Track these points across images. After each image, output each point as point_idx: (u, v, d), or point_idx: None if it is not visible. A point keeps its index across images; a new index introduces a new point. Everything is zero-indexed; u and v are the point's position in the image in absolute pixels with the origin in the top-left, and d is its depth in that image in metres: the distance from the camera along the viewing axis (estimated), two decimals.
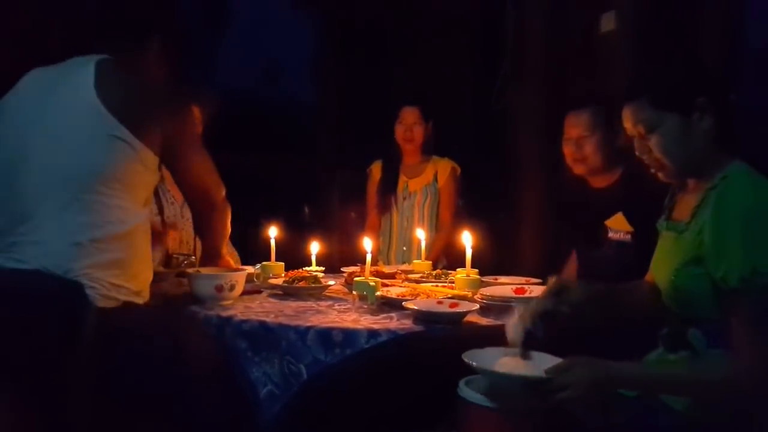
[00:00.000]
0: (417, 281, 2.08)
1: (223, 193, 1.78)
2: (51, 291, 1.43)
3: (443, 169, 2.95)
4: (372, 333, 1.51)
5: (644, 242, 1.79)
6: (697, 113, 1.37)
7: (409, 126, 2.88)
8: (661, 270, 1.47)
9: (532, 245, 2.52)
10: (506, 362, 1.32)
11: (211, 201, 1.75)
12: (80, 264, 1.46)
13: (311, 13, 4.09)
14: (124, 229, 1.52)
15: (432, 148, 2.98)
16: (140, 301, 1.56)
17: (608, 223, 2.11)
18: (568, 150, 2.19)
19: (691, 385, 1.31)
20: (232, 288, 1.76)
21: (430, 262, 2.35)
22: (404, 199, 2.96)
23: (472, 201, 3.07)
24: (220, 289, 1.74)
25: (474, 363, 1.27)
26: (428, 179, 2.95)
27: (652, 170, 1.44)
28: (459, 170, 2.98)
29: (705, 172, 1.40)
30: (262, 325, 1.55)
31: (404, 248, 2.91)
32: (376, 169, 3.05)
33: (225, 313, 1.62)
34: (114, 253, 1.50)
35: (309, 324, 1.54)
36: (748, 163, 1.39)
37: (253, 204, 2.99)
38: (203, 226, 1.85)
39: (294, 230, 2.61)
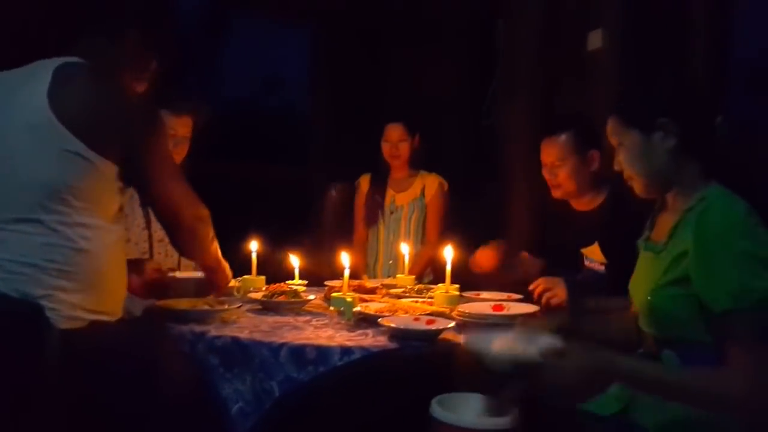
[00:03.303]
0: (398, 296, 2.08)
1: (197, 212, 1.64)
2: (6, 314, 1.37)
3: (431, 183, 2.96)
4: (345, 350, 1.50)
5: (617, 274, 1.80)
6: (660, 133, 1.38)
7: (395, 143, 2.90)
8: (637, 290, 1.48)
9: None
10: (503, 343, 1.30)
11: (178, 219, 1.61)
12: (39, 287, 1.40)
13: (305, 26, 4.11)
14: (89, 247, 1.45)
15: (420, 161, 2.99)
16: (110, 319, 1.51)
17: (584, 251, 2.12)
18: (545, 175, 2.21)
19: (686, 394, 1.27)
20: None
21: (414, 276, 2.35)
22: (391, 213, 2.97)
23: (461, 215, 3.07)
24: None
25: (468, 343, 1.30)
26: (415, 194, 2.96)
27: (629, 183, 1.48)
28: (446, 185, 2.99)
29: (680, 191, 1.41)
30: (235, 341, 1.54)
31: (390, 262, 2.91)
32: (364, 182, 3.06)
33: (198, 329, 1.61)
34: (77, 274, 1.43)
35: (282, 341, 1.53)
36: (736, 175, 1.42)
37: (248, 214, 3.00)
38: (173, 243, 1.75)
39: (287, 241, 2.60)
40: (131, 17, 1.62)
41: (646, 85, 1.49)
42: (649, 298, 1.40)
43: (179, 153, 2.42)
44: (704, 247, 1.28)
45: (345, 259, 1.87)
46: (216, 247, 1.80)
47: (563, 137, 2.16)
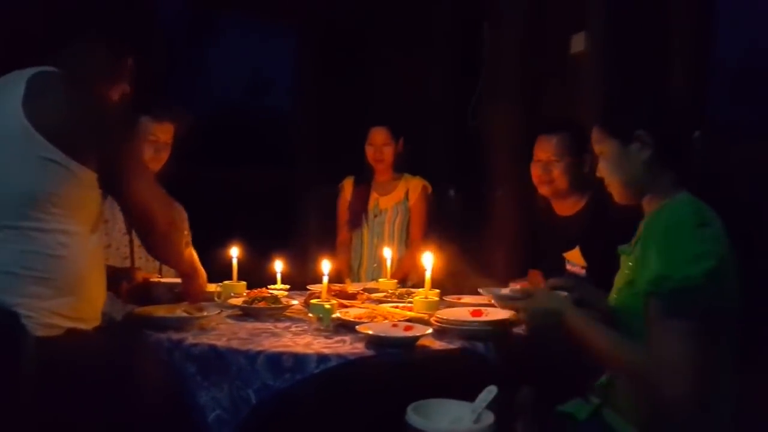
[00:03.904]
0: (380, 301, 2.08)
1: (171, 217, 1.66)
2: None
3: (414, 187, 2.97)
4: (322, 358, 1.50)
5: (598, 277, 1.82)
6: (637, 144, 1.44)
7: (379, 147, 2.90)
8: (612, 292, 1.54)
9: (505, 263, 2.53)
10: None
11: (153, 224, 1.61)
12: (16, 294, 1.40)
13: (291, 29, 4.10)
14: (67, 253, 1.46)
15: (404, 165, 2.99)
16: (87, 326, 1.51)
17: (566, 255, 2.13)
18: (536, 171, 2.23)
19: (605, 355, 1.39)
20: None
21: (395, 280, 2.35)
22: (375, 216, 2.97)
23: (445, 218, 3.07)
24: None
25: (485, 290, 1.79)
26: (399, 197, 2.96)
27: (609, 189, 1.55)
28: (430, 188, 2.99)
29: (653, 198, 1.47)
30: (212, 349, 1.54)
31: (374, 265, 2.91)
32: (347, 185, 3.05)
33: (176, 336, 1.61)
34: (55, 281, 1.44)
35: (259, 348, 1.53)
36: (714, 178, 1.52)
37: (232, 217, 2.99)
38: (146, 249, 1.75)
39: (271, 245, 2.59)
40: (101, 27, 1.64)
41: (626, 97, 1.55)
42: (614, 297, 1.49)
43: (160, 159, 2.42)
44: (644, 241, 1.37)
45: (325, 266, 1.87)
46: (191, 253, 1.82)
47: (562, 135, 2.19)
